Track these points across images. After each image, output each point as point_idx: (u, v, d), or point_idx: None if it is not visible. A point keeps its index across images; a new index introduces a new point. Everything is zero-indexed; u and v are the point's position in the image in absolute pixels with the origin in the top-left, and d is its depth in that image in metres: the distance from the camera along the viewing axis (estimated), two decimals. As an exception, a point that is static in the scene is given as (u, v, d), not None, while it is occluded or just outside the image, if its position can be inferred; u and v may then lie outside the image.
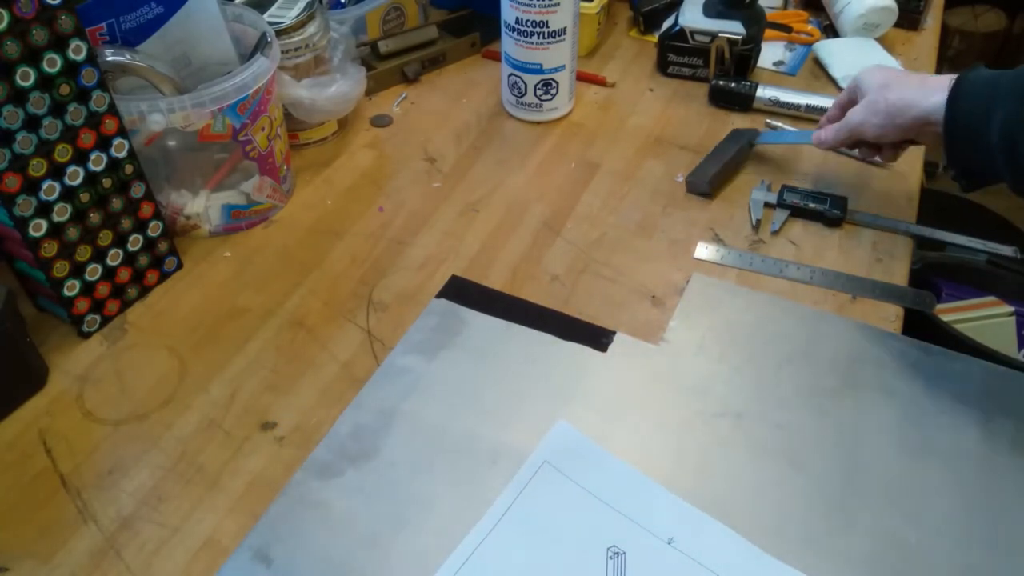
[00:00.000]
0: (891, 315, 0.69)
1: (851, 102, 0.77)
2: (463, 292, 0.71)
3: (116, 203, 0.66)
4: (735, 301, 0.71)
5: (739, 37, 0.93)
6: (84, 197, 0.63)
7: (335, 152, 0.89)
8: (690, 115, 0.94)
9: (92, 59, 0.60)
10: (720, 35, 0.94)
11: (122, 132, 0.64)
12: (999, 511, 0.56)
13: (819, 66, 1.00)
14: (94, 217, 0.65)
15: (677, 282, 0.73)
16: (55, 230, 0.62)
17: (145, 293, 0.72)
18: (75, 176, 0.62)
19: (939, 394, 0.63)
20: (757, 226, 0.78)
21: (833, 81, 0.97)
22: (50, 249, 0.63)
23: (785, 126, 0.91)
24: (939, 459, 0.59)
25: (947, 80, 0.68)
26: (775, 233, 0.78)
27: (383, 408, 0.62)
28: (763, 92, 0.92)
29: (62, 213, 0.62)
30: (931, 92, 0.68)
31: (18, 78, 0.56)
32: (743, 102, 0.93)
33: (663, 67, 1.00)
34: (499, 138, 0.91)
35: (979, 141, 0.63)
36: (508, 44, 0.88)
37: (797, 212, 0.79)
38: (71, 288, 0.65)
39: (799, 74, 1.00)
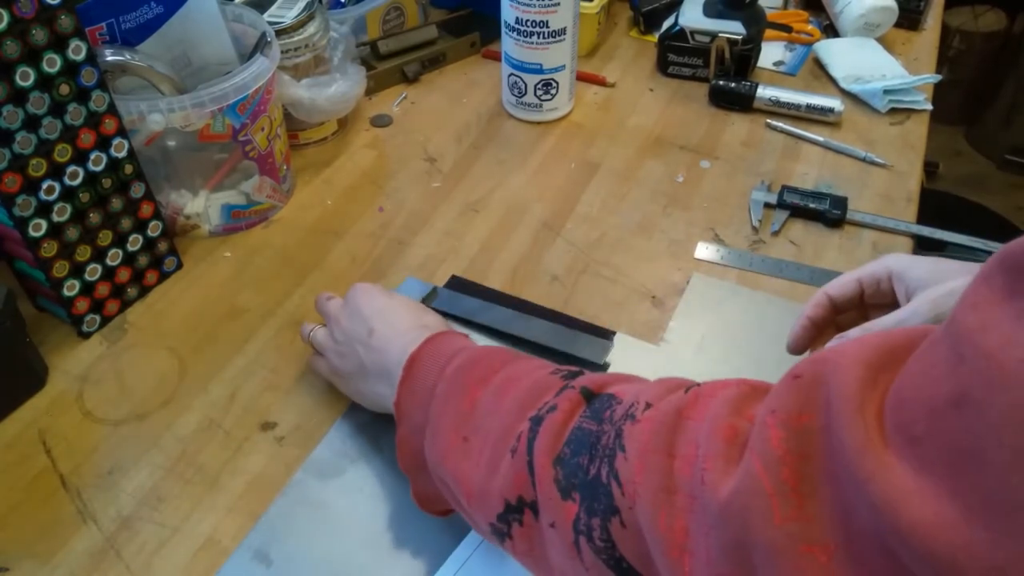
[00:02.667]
0: (891, 315, 0.69)
1: (878, 294, 0.55)
2: (463, 292, 0.71)
3: (116, 203, 0.66)
4: (735, 301, 0.71)
5: (739, 37, 0.93)
6: (84, 197, 0.63)
7: (335, 152, 0.89)
8: (690, 115, 0.94)
9: (92, 59, 0.60)
10: (720, 35, 0.94)
11: (122, 132, 0.64)
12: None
13: (819, 66, 1.00)
14: (94, 217, 0.65)
15: (677, 282, 0.73)
16: (55, 230, 0.62)
17: (145, 293, 0.72)
18: (75, 176, 0.62)
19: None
20: (757, 226, 0.78)
21: (833, 81, 0.97)
22: (50, 249, 0.63)
23: (786, 126, 0.90)
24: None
25: None
26: (775, 233, 0.78)
27: (383, 408, 0.62)
28: (763, 92, 0.92)
29: (62, 213, 0.62)
30: None
31: (18, 78, 0.56)
32: (743, 102, 0.93)
33: (663, 67, 0.99)
34: (499, 138, 0.91)
35: None
36: (508, 44, 0.88)
37: (797, 212, 0.79)
38: (71, 288, 0.65)
39: (799, 74, 1.00)
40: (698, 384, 0.40)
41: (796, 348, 0.57)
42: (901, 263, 0.54)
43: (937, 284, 0.50)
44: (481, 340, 0.63)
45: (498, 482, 0.43)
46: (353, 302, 0.58)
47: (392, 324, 0.55)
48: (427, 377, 0.50)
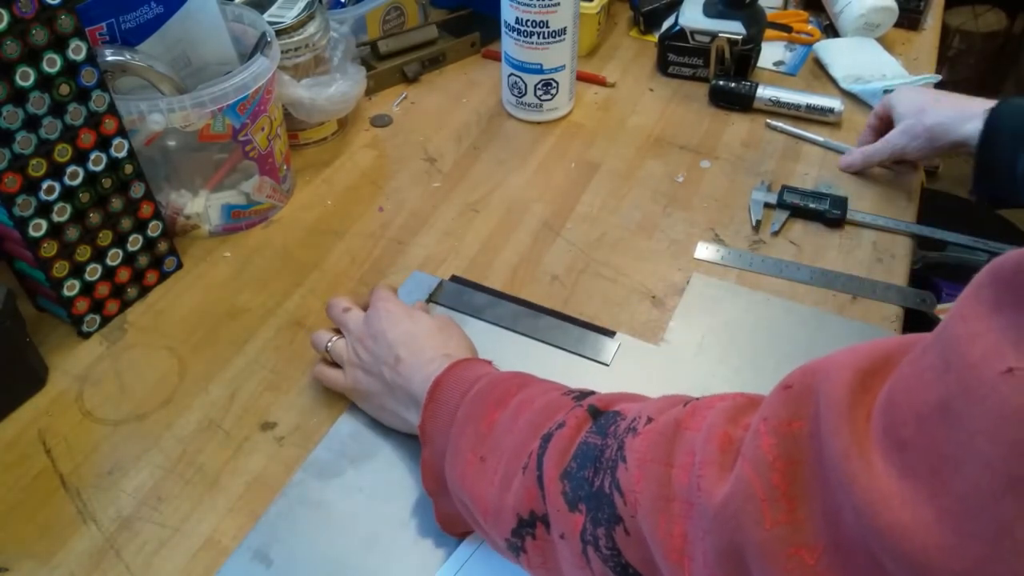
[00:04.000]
0: (891, 315, 0.69)
1: (882, 123, 0.82)
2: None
3: (116, 203, 0.66)
4: (735, 301, 0.71)
5: (739, 37, 0.93)
6: (84, 197, 0.63)
7: (335, 152, 0.88)
8: (690, 115, 0.94)
9: (92, 59, 0.60)
10: (720, 35, 0.94)
11: (122, 132, 0.64)
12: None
13: (819, 66, 1.00)
14: (94, 217, 0.65)
15: (677, 282, 0.73)
16: (55, 230, 0.62)
17: (145, 293, 0.72)
18: (75, 176, 0.62)
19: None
20: (757, 226, 0.78)
21: (833, 81, 0.97)
22: (50, 249, 0.63)
23: (786, 126, 0.90)
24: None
25: (981, 106, 0.71)
26: (775, 233, 0.78)
27: (383, 408, 0.62)
28: (763, 92, 0.92)
29: (62, 213, 0.62)
30: (967, 118, 0.71)
31: (18, 78, 0.56)
32: (743, 102, 0.93)
33: (663, 67, 0.99)
34: (499, 138, 0.91)
35: (1008, 172, 0.66)
36: (508, 44, 0.88)
37: (797, 212, 0.79)
38: (71, 288, 0.65)
39: (799, 74, 1.00)
40: (698, 399, 0.41)
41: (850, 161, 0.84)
42: (894, 98, 0.80)
43: (916, 114, 0.76)
44: (487, 335, 0.63)
45: (511, 498, 0.44)
46: (377, 325, 0.59)
47: (418, 353, 0.56)
48: (449, 401, 0.51)
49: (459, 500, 0.49)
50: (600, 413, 0.44)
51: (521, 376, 0.52)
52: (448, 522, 0.53)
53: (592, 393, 0.48)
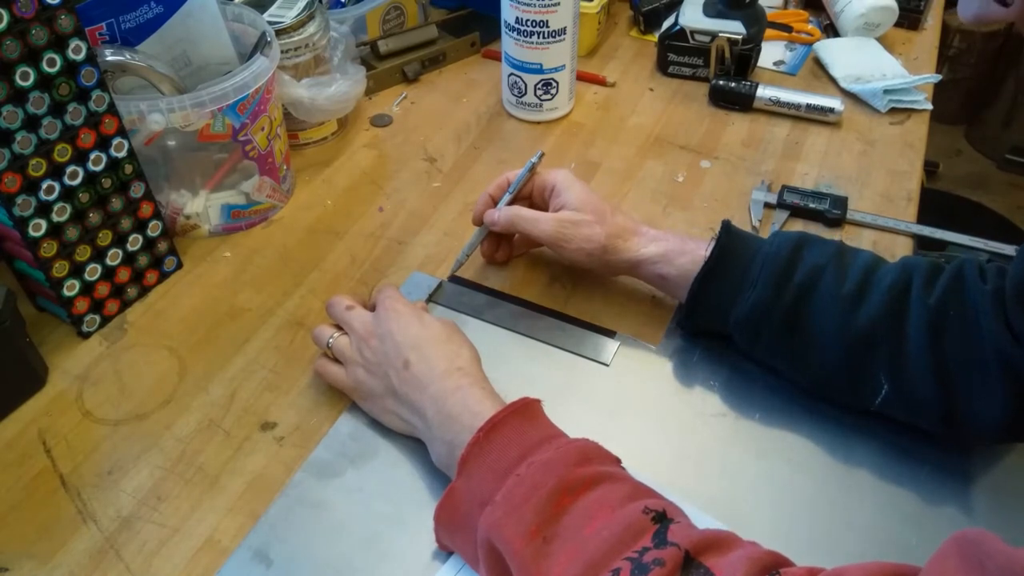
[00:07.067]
0: (891, 315, 0.69)
1: (540, 197, 0.71)
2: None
3: (116, 203, 0.66)
4: (735, 301, 0.71)
5: (739, 37, 0.93)
6: (84, 197, 0.63)
7: (335, 152, 0.88)
8: (690, 115, 0.94)
9: (92, 59, 0.60)
10: (720, 35, 0.94)
11: (122, 132, 0.64)
12: (997, 510, 0.56)
13: (819, 66, 1.00)
14: (94, 217, 0.65)
15: (677, 282, 0.73)
16: (55, 230, 0.62)
17: (145, 293, 0.72)
18: (75, 176, 0.62)
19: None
20: (758, 226, 0.78)
21: (833, 81, 0.97)
22: (49, 249, 0.63)
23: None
24: (935, 459, 0.59)
25: (660, 234, 0.66)
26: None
27: (383, 408, 0.62)
28: (763, 92, 0.92)
29: (62, 213, 0.62)
30: (649, 240, 0.65)
31: (18, 78, 0.56)
32: (743, 102, 0.93)
33: (663, 67, 0.99)
34: (499, 138, 0.91)
35: (724, 312, 0.62)
36: (508, 44, 0.88)
37: (797, 212, 0.79)
38: (71, 288, 0.65)
39: (799, 74, 1.00)
40: (779, 572, 0.42)
41: (476, 218, 0.72)
42: (564, 182, 0.69)
43: (577, 211, 0.66)
44: (487, 335, 0.63)
45: None
46: (385, 325, 0.59)
47: (428, 361, 0.57)
48: (507, 451, 0.50)
49: (490, 549, 0.48)
50: (692, 562, 0.43)
51: (592, 463, 0.49)
52: (444, 547, 0.53)
53: (668, 517, 0.46)
